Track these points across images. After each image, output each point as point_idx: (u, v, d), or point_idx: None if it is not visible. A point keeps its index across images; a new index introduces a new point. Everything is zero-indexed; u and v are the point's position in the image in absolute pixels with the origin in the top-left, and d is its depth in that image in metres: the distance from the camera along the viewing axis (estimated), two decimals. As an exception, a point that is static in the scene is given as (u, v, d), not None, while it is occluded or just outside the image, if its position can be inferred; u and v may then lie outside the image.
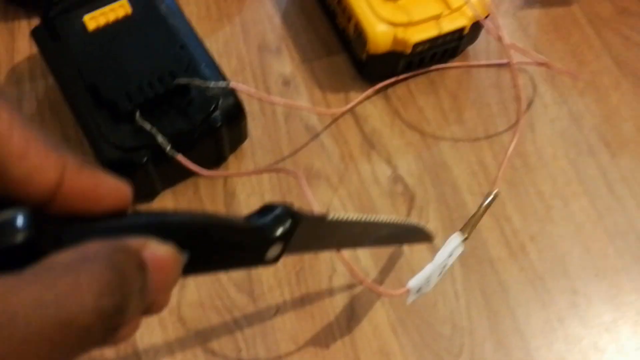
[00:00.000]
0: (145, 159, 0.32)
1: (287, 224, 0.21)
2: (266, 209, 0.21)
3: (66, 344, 0.14)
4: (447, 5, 0.36)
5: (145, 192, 0.35)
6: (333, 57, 0.40)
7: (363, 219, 0.26)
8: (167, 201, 0.36)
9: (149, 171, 0.33)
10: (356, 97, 0.39)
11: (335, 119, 0.38)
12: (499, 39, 0.35)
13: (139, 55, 0.33)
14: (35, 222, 0.15)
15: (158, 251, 0.16)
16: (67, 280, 0.14)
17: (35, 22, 0.40)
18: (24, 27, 0.40)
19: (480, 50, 0.41)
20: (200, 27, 0.40)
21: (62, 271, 0.14)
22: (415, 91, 0.39)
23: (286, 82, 0.39)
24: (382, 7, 0.36)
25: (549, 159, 0.38)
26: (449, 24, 0.36)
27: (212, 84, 0.32)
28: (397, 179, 0.37)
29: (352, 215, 0.25)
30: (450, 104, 0.39)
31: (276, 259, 0.22)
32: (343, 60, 0.40)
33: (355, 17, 0.37)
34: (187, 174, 0.34)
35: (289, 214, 0.21)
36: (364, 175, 0.37)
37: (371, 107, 0.39)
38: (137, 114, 0.32)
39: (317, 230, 0.24)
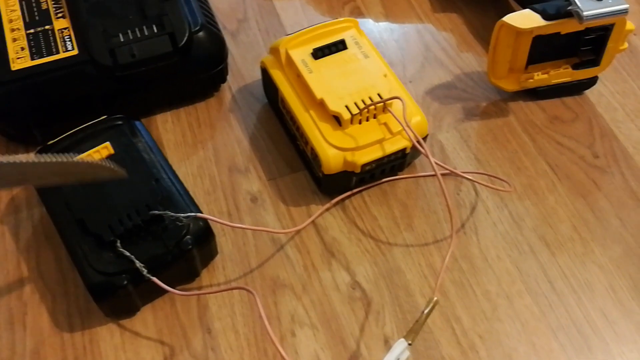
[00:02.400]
0: (125, 282, 0.36)
1: None
2: None
3: None
4: (389, 130, 0.41)
5: (127, 309, 0.39)
6: (295, 174, 0.45)
7: (25, 161, 0.29)
8: (147, 315, 0.39)
9: (129, 292, 0.37)
10: (317, 209, 0.43)
11: (298, 231, 0.43)
12: (426, 155, 0.40)
13: (120, 190, 0.38)
14: None
15: None
16: None
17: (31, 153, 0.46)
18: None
19: (425, 162, 0.45)
20: (177, 153, 0.46)
21: None
22: (369, 202, 0.44)
23: (254, 199, 0.44)
24: (332, 134, 0.41)
25: (493, 260, 0.42)
26: (392, 146, 0.41)
27: (181, 215, 0.37)
28: (355, 284, 0.41)
29: (22, 157, 0.29)
30: (401, 212, 0.43)
31: None
32: (304, 177, 0.45)
33: (311, 143, 0.42)
34: (164, 290, 0.38)
35: None
36: (325, 283, 0.41)
37: (330, 218, 0.43)
38: (118, 242, 0.37)
39: (10, 172, 0.29)
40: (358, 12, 0.54)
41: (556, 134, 0.47)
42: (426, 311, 0.35)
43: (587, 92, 0.50)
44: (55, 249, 0.42)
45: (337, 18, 0.46)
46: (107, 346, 0.38)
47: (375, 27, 0.53)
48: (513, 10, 0.44)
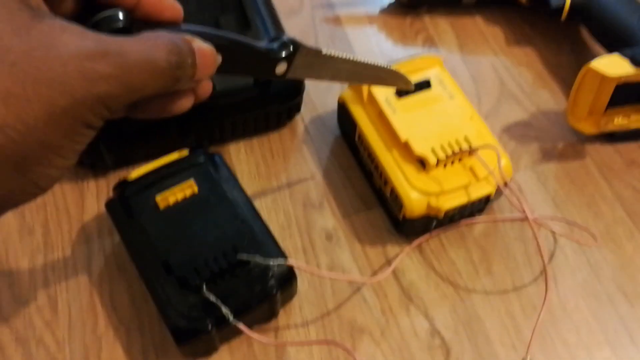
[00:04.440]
0: (209, 326, 0.36)
1: (290, 48, 0.30)
2: (277, 38, 0.30)
3: (153, 76, 0.23)
4: (475, 175, 0.40)
5: (206, 351, 0.39)
6: (370, 211, 0.44)
7: (350, 58, 0.34)
8: (224, 355, 0.39)
9: (211, 335, 0.37)
10: (393, 250, 0.43)
11: (374, 273, 0.42)
12: (523, 211, 0.39)
13: (205, 230, 0.37)
14: (129, 16, 0.24)
15: (202, 45, 0.26)
16: (151, 42, 0.23)
17: (102, 182, 0.45)
18: (92, 187, 0.45)
19: (504, 203, 0.45)
20: (251, 184, 0.45)
21: (147, 38, 0.24)
22: (447, 244, 0.43)
23: (329, 236, 0.43)
24: (416, 177, 0.40)
25: (572, 309, 0.41)
26: (477, 192, 0.40)
27: (270, 262, 0.36)
28: (434, 332, 0.40)
29: (341, 53, 0.33)
30: (479, 256, 0.43)
31: (283, 75, 0.31)
32: (380, 214, 0.44)
33: (392, 183, 0.41)
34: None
35: (292, 42, 0.30)
36: (404, 329, 0.40)
37: (408, 260, 0.43)
38: (204, 286, 0.36)
39: (314, 60, 0.32)
40: (431, 42, 0.53)
41: (633, 179, 0.46)
42: (521, 371, 0.35)
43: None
44: (129, 281, 0.41)
45: (409, 46, 0.45)
46: (186, 388, 0.38)
47: (448, 58, 0.52)
48: (588, 48, 0.44)
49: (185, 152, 0.40)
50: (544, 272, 0.40)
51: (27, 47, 0.20)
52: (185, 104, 0.27)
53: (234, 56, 0.28)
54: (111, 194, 0.40)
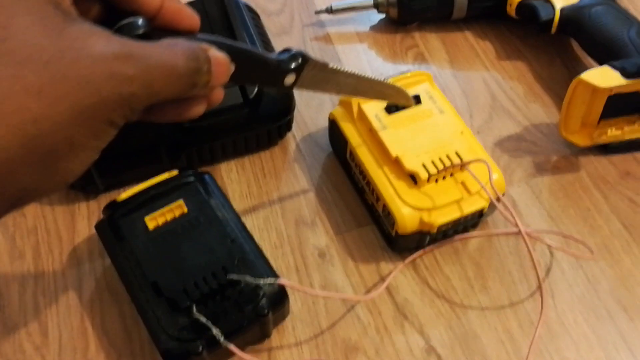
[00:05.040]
0: (200, 348, 0.35)
1: (299, 60, 0.31)
2: (286, 50, 0.31)
3: (172, 80, 0.24)
4: (467, 190, 0.40)
5: (197, 373, 0.38)
6: (362, 228, 0.44)
7: (355, 73, 0.35)
8: (216, 378, 0.38)
9: (203, 357, 0.36)
10: (386, 267, 0.42)
11: (368, 291, 0.41)
12: (516, 225, 0.38)
13: (195, 251, 0.37)
14: (149, 24, 0.26)
15: (218, 53, 0.27)
16: (171, 48, 0.25)
17: (94, 204, 0.45)
18: (83, 209, 0.44)
19: (498, 218, 0.44)
20: (242, 204, 0.45)
21: (168, 44, 0.25)
22: (441, 260, 0.43)
23: (322, 254, 0.43)
24: (407, 193, 0.40)
25: (570, 325, 0.40)
26: (469, 206, 0.40)
27: (261, 282, 0.35)
28: (430, 350, 0.39)
29: (347, 68, 0.34)
30: (474, 272, 0.42)
31: (291, 86, 0.32)
32: (372, 231, 0.44)
33: (383, 200, 0.41)
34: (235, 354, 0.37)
35: (301, 54, 0.31)
36: (399, 347, 0.39)
37: (401, 277, 0.42)
38: (194, 307, 0.35)
39: (320, 73, 0.33)
40: (422, 59, 0.53)
41: (629, 191, 0.46)
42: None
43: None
44: (119, 304, 0.41)
45: (399, 63, 0.45)
46: (178, 413, 0.37)
47: (439, 74, 0.52)
48: (580, 60, 0.43)
49: (174, 172, 0.40)
50: (539, 287, 0.39)
51: (59, 48, 0.22)
52: (198, 109, 0.28)
53: (246, 66, 0.29)
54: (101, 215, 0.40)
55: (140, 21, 0.25)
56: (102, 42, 0.23)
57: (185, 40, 0.26)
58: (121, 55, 0.23)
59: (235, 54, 0.28)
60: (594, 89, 0.43)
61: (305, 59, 0.32)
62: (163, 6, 0.27)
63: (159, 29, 0.27)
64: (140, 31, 0.25)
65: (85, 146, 0.23)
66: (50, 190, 0.24)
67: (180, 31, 0.27)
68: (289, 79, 0.32)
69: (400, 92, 0.40)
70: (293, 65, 0.31)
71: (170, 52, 0.25)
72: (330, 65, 0.33)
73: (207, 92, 0.28)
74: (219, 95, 0.29)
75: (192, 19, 0.28)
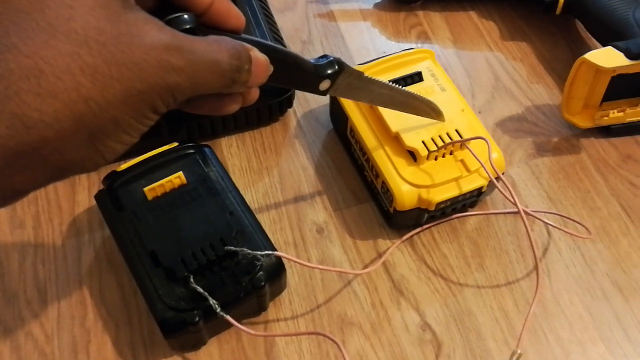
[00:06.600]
0: (197, 318, 0.35)
1: (335, 67, 0.32)
2: (324, 57, 0.32)
3: (215, 75, 0.25)
4: (466, 168, 0.40)
5: (194, 344, 0.38)
6: (362, 205, 0.44)
7: (389, 84, 0.36)
8: (212, 349, 0.39)
9: (199, 327, 0.36)
10: (384, 244, 0.42)
11: (365, 266, 0.42)
12: (515, 203, 0.38)
13: (193, 221, 0.37)
14: (196, 20, 0.26)
15: (259, 54, 0.28)
16: (217, 44, 0.25)
17: (94, 176, 0.45)
18: (84, 180, 0.45)
19: (497, 198, 0.44)
20: (243, 178, 0.45)
21: (214, 40, 0.26)
22: (438, 239, 0.43)
23: (320, 230, 0.43)
24: (407, 170, 0.40)
25: (566, 305, 0.41)
26: (468, 185, 0.40)
27: (258, 253, 0.35)
28: (425, 326, 0.40)
29: (381, 79, 0.35)
30: (471, 250, 0.42)
31: (326, 91, 0.33)
32: (371, 208, 0.44)
33: (383, 176, 0.41)
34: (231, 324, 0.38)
35: (338, 62, 0.32)
36: (395, 323, 0.40)
37: (399, 254, 0.42)
38: (191, 278, 0.36)
39: (355, 81, 0.34)
40: (425, 37, 0.53)
41: (630, 174, 0.46)
42: (510, 364, 0.34)
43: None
44: (118, 274, 0.41)
45: (403, 41, 0.45)
46: (174, 381, 0.37)
47: (442, 53, 0.52)
48: (584, 42, 0.43)
49: (174, 144, 0.40)
50: (536, 266, 0.40)
51: (116, 33, 0.23)
52: (233, 106, 0.29)
53: (284, 69, 0.30)
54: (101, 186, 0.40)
55: (187, 16, 0.26)
56: (155, 32, 0.24)
57: (230, 38, 0.27)
58: (171, 46, 0.24)
59: (275, 56, 0.29)
60: (597, 70, 0.43)
61: (342, 66, 0.33)
62: (213, 4, 0.27)
63: (205, 25, 0.27)
64: (187, 26, 0.26)
65: (129, 128, 0.25)
66: (92, 167, 0.25)
67: (226, 30, 0.28)
68: (324, 84, 0.33)
69: (431, 106, 0.40)
70: (329, 72, 0.32)
71: (215, 48, 0.25)
72: (366, 74, 0.34)
73: (245, 90, 0.28)
74: (254, 94, 0.30)
75: (239, 19, 0.28)
